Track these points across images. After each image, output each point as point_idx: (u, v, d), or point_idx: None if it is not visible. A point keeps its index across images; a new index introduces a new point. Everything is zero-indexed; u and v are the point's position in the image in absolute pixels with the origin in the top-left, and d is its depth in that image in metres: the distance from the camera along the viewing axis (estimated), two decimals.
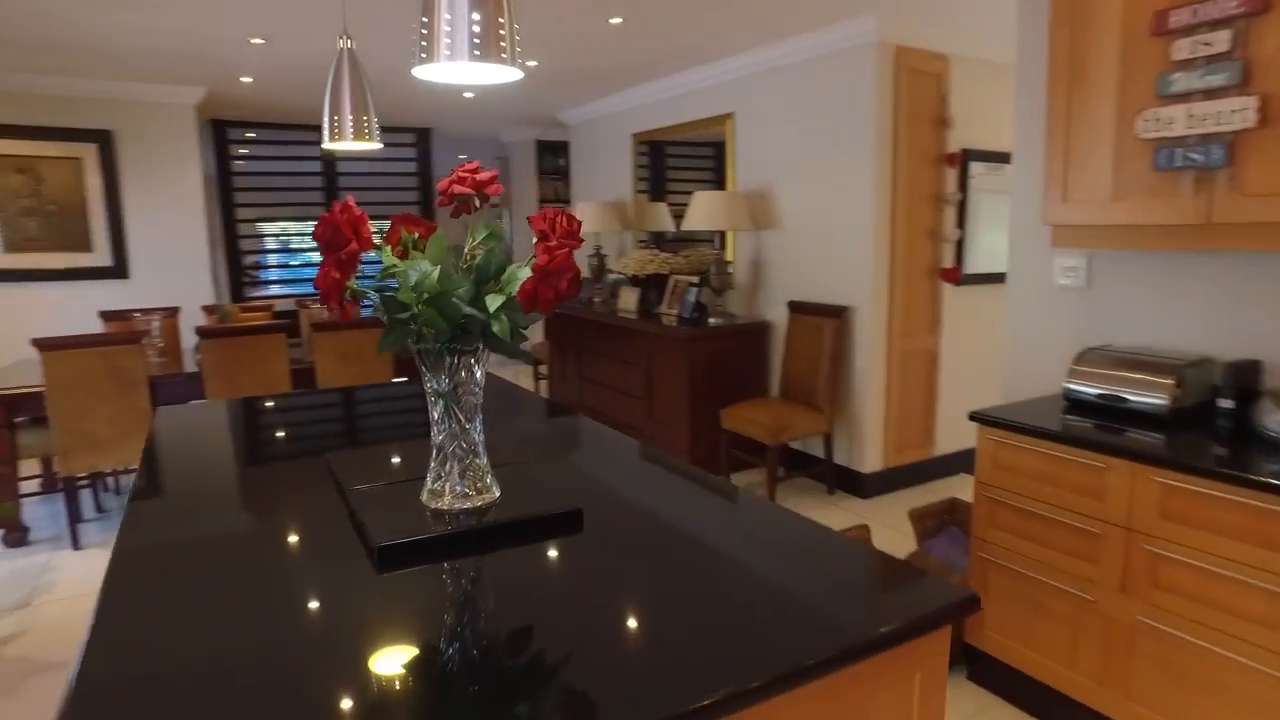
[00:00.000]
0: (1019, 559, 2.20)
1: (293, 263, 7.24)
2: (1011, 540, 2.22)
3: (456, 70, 1.28)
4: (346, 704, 0.86)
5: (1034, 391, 2.66)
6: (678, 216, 5.22)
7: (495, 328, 1.21)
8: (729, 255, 4.89)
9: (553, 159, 8.00)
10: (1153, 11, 1.97)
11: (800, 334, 4.22)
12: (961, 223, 4.20)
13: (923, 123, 3.97)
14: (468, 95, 5.87)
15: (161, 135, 5.36)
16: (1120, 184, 2.09)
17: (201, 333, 3.72)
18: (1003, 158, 4.21)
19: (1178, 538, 1.83)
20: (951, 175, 4.12)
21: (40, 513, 4.05)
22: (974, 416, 2.28)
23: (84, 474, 3.67)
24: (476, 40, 1.17)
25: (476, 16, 1.15)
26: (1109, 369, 2.23)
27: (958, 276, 4.22)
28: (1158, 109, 1.97)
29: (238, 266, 6.78)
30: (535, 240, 1.22)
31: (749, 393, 4.54)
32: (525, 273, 1.19)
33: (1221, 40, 1.84)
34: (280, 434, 2.15)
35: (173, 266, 5.48)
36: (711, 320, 4.47)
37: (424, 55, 1.20)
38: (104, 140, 5.16)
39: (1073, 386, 2.30)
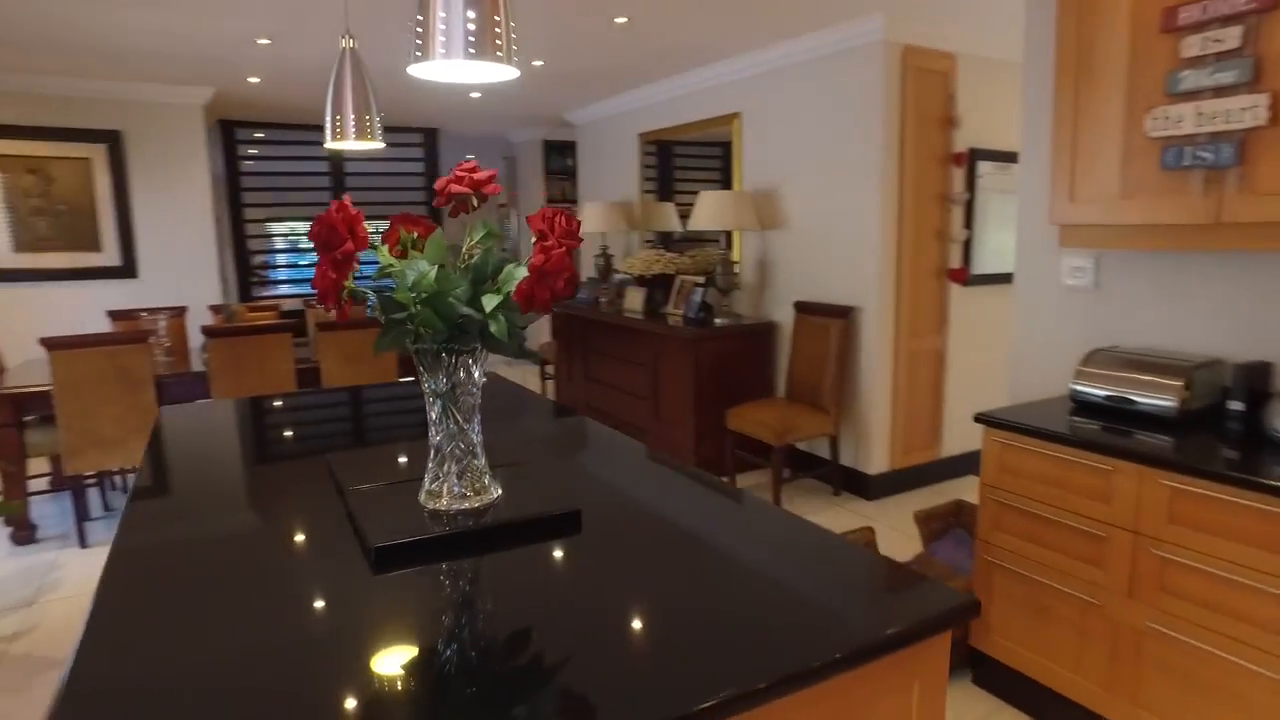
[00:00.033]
0: (1024, 562, 2.18)
1: (301, 262, 7.27)
2: (1017, 543, 2.20)
3: (452, 69, 1.28)
4: (340, 706, 0.86)
5: (1041, 393, 2.63)
6: (684, 216, 5.21)
7: (493, 328, 1.20)
8: (735, 255, 4.87)
9: (560, 159, 8.00)
10: (1162, 8, 1.95)
11: (806, 334, 4.20)
12: (969, 223, 4.18)
13: (930, 122, 3.94)
14: (474, 95, 5.87)
15: (170, 135, 5.38)
16: (1128, 183, 2.06)
17: (207, 332, 3.74)
18: (1011, 157, 4.18)
19: (1186, 542, 1.80)
20: (959, 175, 4.10)
21: (48, 511, 4.08)
22: (979, 418, 2.26)
23: (91, 473, 3.69)
24: (472, 38, 1.16)
25: (471, 15, 1.15)
26: (1117, 370, 2.20)
27: (965, 277, 4.20)
28: (1166, 107, 1.95)
29: (246, 266, 6.81)
30: (534, 240, 1.22)
31: (755, 393, 4.53)
32: (522, 272, 1.18)
33: (1232, 37, 1.82)
34: (282, 433, 2.15)
35: (181, 266, 5.51)
36: (717, 320, 4.45)
37: (419, 54, 1.19)
38: (113, 141, 5.19)
39: (1080, 388, 2.27)
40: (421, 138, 7.38)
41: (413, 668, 0.94)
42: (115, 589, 1.15)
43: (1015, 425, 2.16)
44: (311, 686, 0.90)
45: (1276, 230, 1.80)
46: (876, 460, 4.10)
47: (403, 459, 1.69)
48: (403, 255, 1.28)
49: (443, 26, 1.15)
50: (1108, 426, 2.09)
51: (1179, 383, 2.05)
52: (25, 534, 3.68)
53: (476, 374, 1.33)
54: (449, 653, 0.97)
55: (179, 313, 4.87)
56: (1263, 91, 1.77)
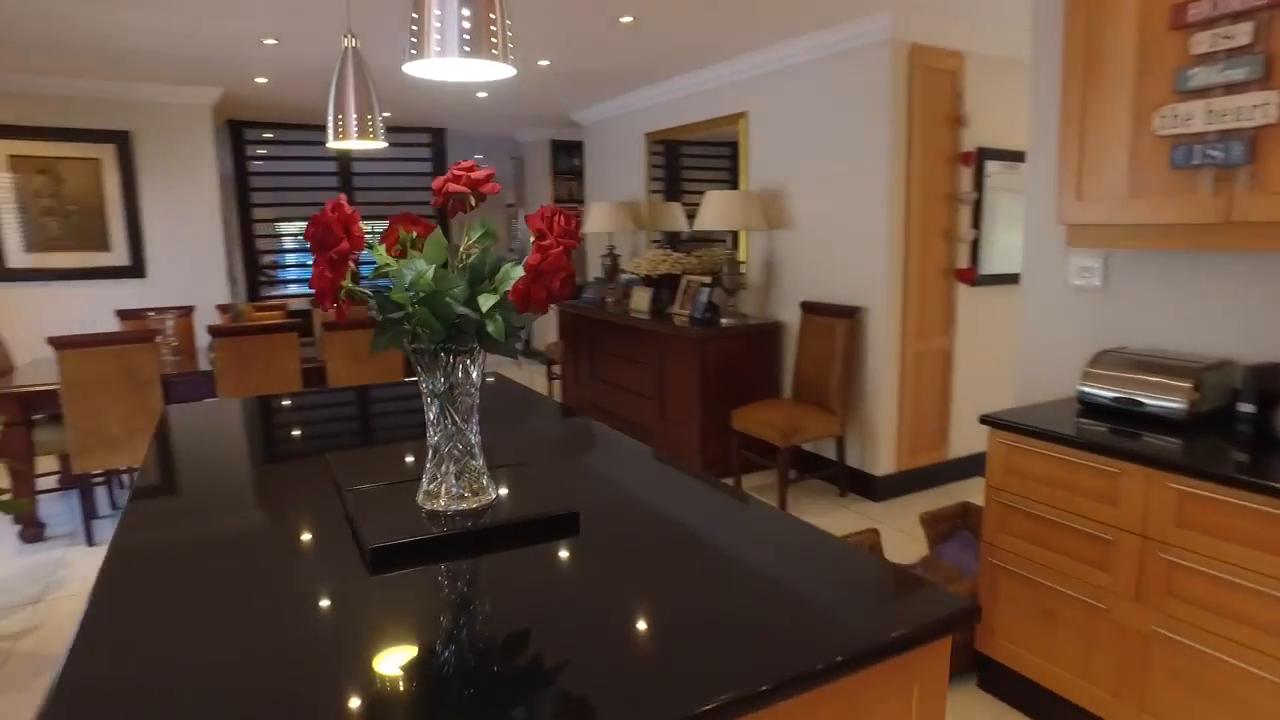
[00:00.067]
0: (1030, 565, 2.15)
1: (309, 262, 7.28)
2: (1023, 546, 2.17)
3: (447, 66, 1.27)
4: (337, 707, 0.85)
5: (1048, 394, 2.61)
6: (691, 216, 5.19)
7: (490, 328, 1.19)
8: (742, 255, 4.86)
9: (567, 159, 8.00)
10: (1171, 4, 1.92)
11: (813, 334, 4.18)
12: (977, 222, 4.14)
13: (937, 121, 3.92)
14: (481, 95, 5.87)
15: (178, 136, 5.41)
16: (1137, 182, 2.04)
17: (214, 331, 3.75)
18: (1020, 156, 4.14)
19: (1194, 546, 1.78)
20: (967, 174, 4.07)
21: (56, 509, 4.10)
22: (985, 420, 2.24)
23: (98, 471, 3.70)
24: (466, 36, 1.15)
25: (466, 13, 1.14)
26: (1125, 372, 2.18)
27: (973, 277, 4.16)
28: (1176, 105, 1.92)
29: (255, 266, 6.83)
30: (533, 239, 1.21)
31: (761, 394, 4.51)
32: (519, 272, 1.17)
33: (1243, 33, 1.79)
34: (285, 433, 2.15)
35: (189, 266, 5.53)
36: (724, 320, 4.44)
37: (414, 52, 1.19)
38: (122, 141, 5.22)
39: (1087, 389, 2.25)
40: (429, 138, 7.39)
41: (407, 669, 0.93)
42: (112, 588, 1.15)
43: (1021, 427, 2.14)
44: (305, 687, 0.89)
45: None
46: (883, 461, 4.08)
47: (403, 459, 1.69)
48: (402, 255, 1.28)
49: (438, 24, 1.14)
50: (1115, 428, 2.06)
51: (1188, 384, 2.02)
52: (33, 532, 3.71)
53: (474, 374, 1.33)
54: (446, 654, 0.96)
55: (186, 312, 4.89)
56: (1274, 89, 1.74)
